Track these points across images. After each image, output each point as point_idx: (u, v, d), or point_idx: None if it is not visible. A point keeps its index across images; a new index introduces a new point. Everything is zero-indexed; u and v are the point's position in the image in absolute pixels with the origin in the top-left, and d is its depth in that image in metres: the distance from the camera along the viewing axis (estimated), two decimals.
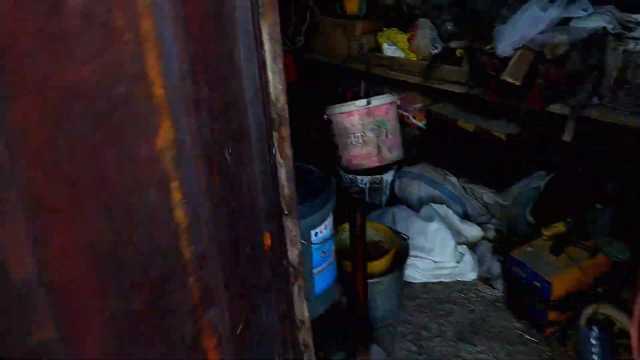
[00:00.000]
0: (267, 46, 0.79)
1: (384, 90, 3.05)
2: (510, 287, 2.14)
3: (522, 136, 2.51)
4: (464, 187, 2.77)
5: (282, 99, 0.83)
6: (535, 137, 2.63)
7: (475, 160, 2.64)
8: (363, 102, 2.62)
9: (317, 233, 1.50)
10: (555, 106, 2.32)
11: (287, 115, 0.85)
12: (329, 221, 1.57)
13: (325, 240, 1.54)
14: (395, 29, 2.97)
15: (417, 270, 2.40)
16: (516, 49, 2.30)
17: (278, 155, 0.86)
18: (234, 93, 0.62)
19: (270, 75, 0.81)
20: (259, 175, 0.72)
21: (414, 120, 3.05)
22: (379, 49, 3.01)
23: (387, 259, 2.01)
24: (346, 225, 2.25)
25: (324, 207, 1.49)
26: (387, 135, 2.68)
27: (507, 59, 2.31)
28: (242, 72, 0.64)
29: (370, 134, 2.65)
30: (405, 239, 2.22)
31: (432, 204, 2.58)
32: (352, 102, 2.64)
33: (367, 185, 2.79)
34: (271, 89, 0.82)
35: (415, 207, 2.81)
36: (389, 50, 2.92)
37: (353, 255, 1.61)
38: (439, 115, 2.76)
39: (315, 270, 1.54)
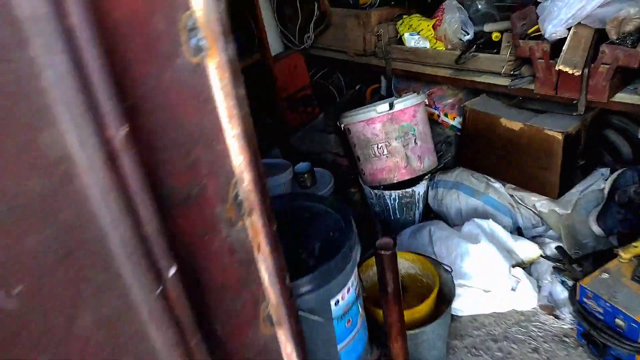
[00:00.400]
0: (218, 101, 0.52)
1: (408, 88, 2.66)
2: (583, 324, 1.75)
3: (580, 134, 2.08)
4: (511, 195, 2.37)
5: (248, 176, 0.57)
6: (596, 133, 2.19)
7: (523, 163, 2.22)
8: (385, 106, 2.24)
9: (337, 301, 1.17)
10: (623, 95, 1.88)
11: (259, 198, 0.58)
12: (353, 280, 1.23)
13: (349, 306, 1.20)
14: (418, 15, 2.56)
15: (464, 302, 2.03)
16: (569, 29, 1.87)
17: (255, 251, 0.61)
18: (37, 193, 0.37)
19: (228, 143, 0.55)
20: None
21: (445, 119, 2.65)
22: (400, 40, 2.61)
23: (428, 304, 1.66)
24: (372, 261, 1.90)
25: (346, 267, 1.15)
26: (415, 142, 2.30)
27: (560, 41, 1.88)
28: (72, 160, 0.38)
29: (395, 143, 2.27)
30: (449, 272, 1.85)
31: (476, 220, 2.19)
32: (373, 106, 2.27)
33: (397, 201, 2.42)
34: (233, 162, 0.55)
35: (455, 221, 2.43)
36: (411, 40, 2.52)
37: (388, 324, 1.26)
38: (475, 112, 2.35)
39: (340, 346, 1.21)
